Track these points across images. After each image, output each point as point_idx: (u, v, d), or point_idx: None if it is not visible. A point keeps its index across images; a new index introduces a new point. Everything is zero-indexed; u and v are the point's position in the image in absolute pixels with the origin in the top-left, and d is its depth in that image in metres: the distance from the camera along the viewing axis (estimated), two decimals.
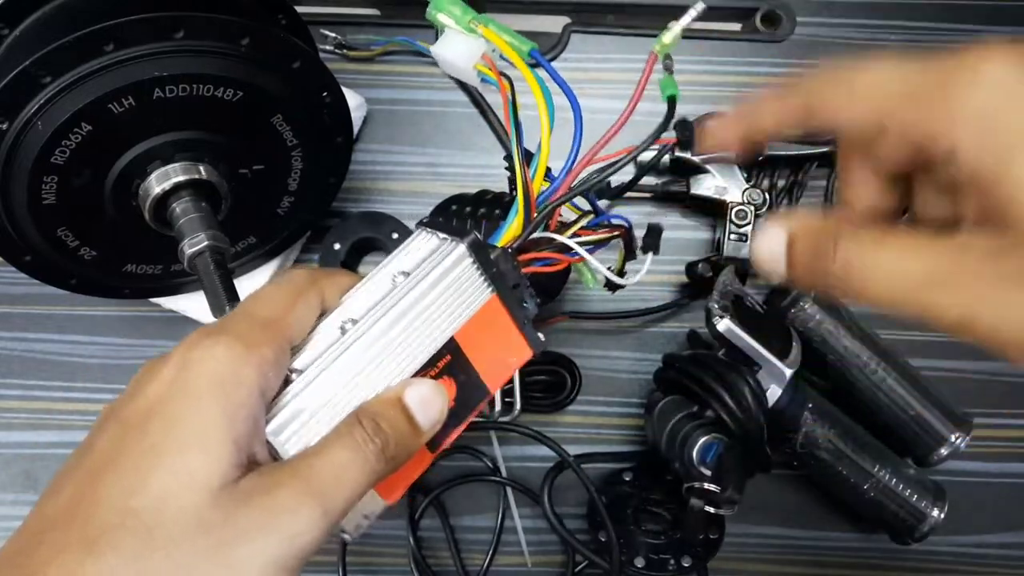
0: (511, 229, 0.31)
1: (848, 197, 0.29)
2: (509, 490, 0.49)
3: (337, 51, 0.54)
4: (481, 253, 0.29)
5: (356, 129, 0.52)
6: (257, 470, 0.25)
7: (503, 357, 0.30)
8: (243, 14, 0.37)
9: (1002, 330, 0.21)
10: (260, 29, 0.36)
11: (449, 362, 0.28)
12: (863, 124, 0.25)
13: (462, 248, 0.28)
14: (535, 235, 0.32)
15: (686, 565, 0.45)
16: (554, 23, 0.56)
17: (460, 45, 0.36)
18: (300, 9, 0.42)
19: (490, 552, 0.49)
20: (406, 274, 0.28)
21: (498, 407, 0.46)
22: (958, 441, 0.46)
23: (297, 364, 0.27)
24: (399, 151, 0.54)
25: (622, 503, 0.47)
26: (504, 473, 0.50)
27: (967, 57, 0.23)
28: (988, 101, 0.22)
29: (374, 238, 0.49)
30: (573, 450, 0.48)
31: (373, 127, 0.54)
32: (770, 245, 0.26)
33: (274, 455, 0.26)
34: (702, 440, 0.42)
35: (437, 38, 0.37)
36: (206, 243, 0.37)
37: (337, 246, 0.49)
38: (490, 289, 0.29)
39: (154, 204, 0.38)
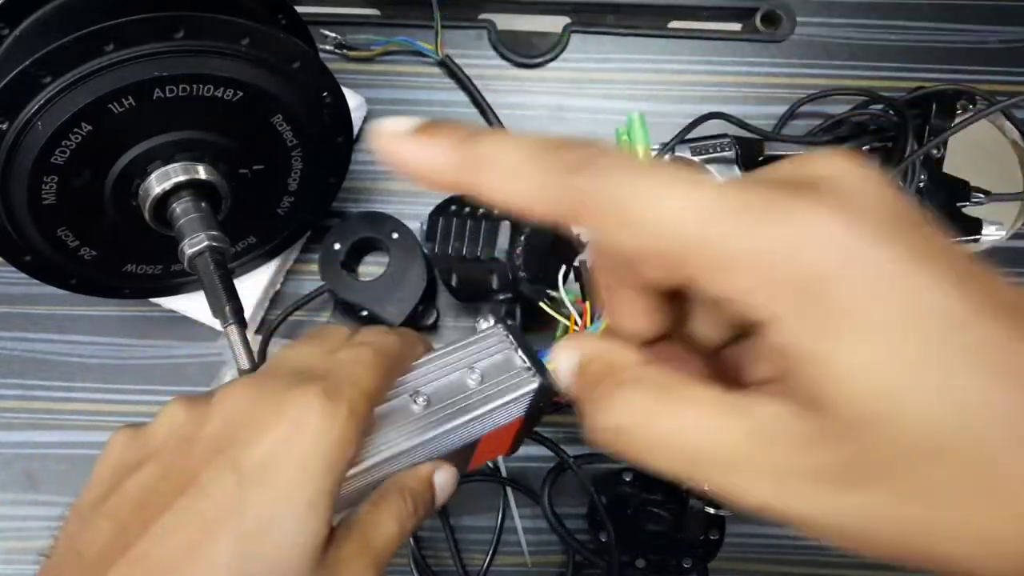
0: None
1: (613, 319, 0.24)
2: (509, 490, 0.49)
3: (337, 51, 0.54)
4: (545, 394, 0.31)
5: (356, 129, 0.52)
6: (336, 539, 0.26)
7: (490, 451, 0.34)
8: (243, 14, 0.37)
9: (810, 522, 0.18)
10: (260, 29, 0.36)
11: (461, 451, 0.32)
12: (646, 261, 0.20)
13: (535, 388, 0.31)
14: None
15: (686, 566, 0.45)
16: (554, 23, 0.56)
17: None
18: (300, 9, 0.42)
19: (490, 552, 0.49)
20: (481, 376, 0.31)
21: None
22: None
23: None
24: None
25: (622, 503, 0.47)
26: (504, 473, 0.50)
27: (794, 205, 0.17)
28: (814, 269, 0.17)
29: (374, 238, 0.49)
30: (573, 450, 0.48)
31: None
32: (562, 365, 0.22)
33: None
34: None
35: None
36: (206, 243, 0.37)
37: (337, 246, 0.49)
38: (523, 413, 0.32)
39: (154, 204, 0.38)
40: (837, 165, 0.19)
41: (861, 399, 0.17)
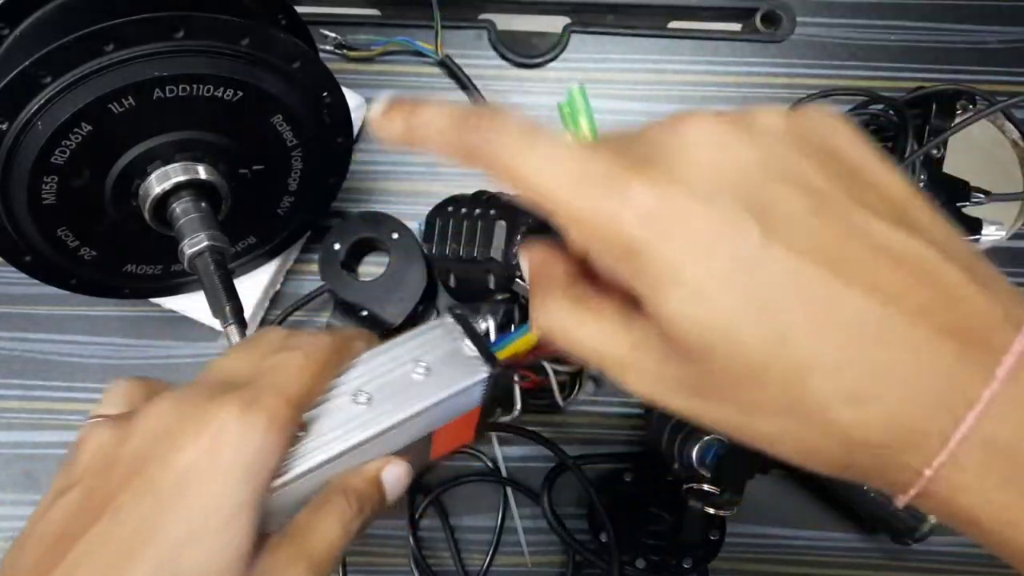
0: (518, 344, 0.32)
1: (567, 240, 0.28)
2: (509, 490, 0.49)
3: (337, 51, 0.54)
4: (498, 382, 0.31)
5: (356, 129, 0.52)
6: (267, 548, 0.26)
7: (453, 440, 0.33)
8: (243, 14, 0.37)
9: (681, 413, 0.23)
10: (260, 29, 0.36)
11: (417, 445, 0.31)
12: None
13: (485, 376, 0.30)
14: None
15: (687, 566, 0.45)
16: (554, 23, 0.56)
17: None
18: (300, 9, 0.42)
19: (490, 552, 0.49)
20: (428, 369, 0.30)
21: (498, 407, 0.46)
22: None
23: (303, 418, 0.28)
24: (399, 151, 0.54)
25: (623, 504, 0.47)
26: (504, 473, 0.50)
27: (628, 183, 0.21)
28: (632, 242, 0.21)
29: (374, 238, 0.49)
30: (573, 450, 0.48)
31: None
32: (523, 267, 0.27)
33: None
34: (702, 441, 0.42)
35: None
36: (206, 243, 0.37)
37: (337, 246, 0.49)
38: (480, 402, 0.31)
39: (154, 204, 0.38)
40: (683, 134, 0.22)
41: (691, 336, 0.21)
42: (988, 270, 0.21)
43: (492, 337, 0.41)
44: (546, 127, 0.23)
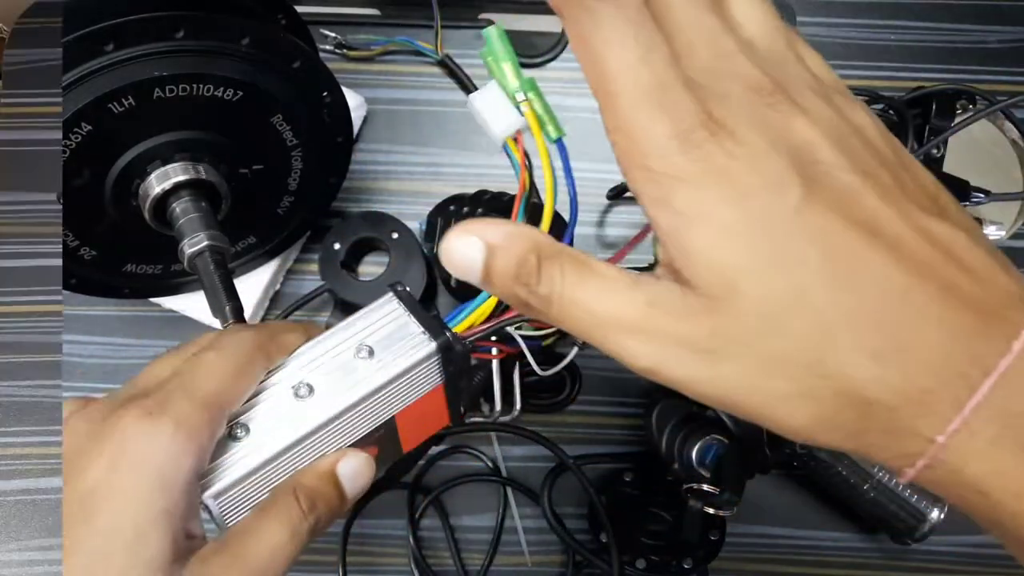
0: (475, 315, 0.31)
1: None
2: (509, 490, 0.49)
3: (337, 51, 0.54)
4: (448, 353, 0.29)
5: (356, 129, 0.52)
6: (198, 556, 0.25)
7: (425, 426, 0.32)
8: (243, 14, 0.37)
9: (687, 386, 0.22)
10: (260, 29, 0.36)
11: (381, 434, 0.30)
12: None
13: (432, 349, 0.29)
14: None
15: (687, 566, 0.45)
16: (554, 23, 0.56)
17: (500, 108, 0.36)
18: (300, 9, 0.42)
19: (490, 552, 0.49)
20: (371, 351, 0.29)
21: (498, 407, 0.46)
22: None
23: (244, 419, 0.27)
24: (399, 151, 0.54)
25: (623, 504, 0.47)
26: (504, 473, 0.50)
27: (690, 116, 0.20)
28: (678, 161, 0.20)
29: (374, 238, 0.49)
30: (573, 450, 0.48)
31: (373, 127, 0.54)
32: (465, 252, 0.23)
33: (211, 514, 0.27)
34: (702, 441, 0.42)
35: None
36: (206, 243, 0.37)
37: (337, 246, 0.49)
38: (440, 379, 0.30)
39: (154, 204, 0.38)
40: (768, 103, 0.21)
41: (714, 274, 0.20)
42: (1005, 259, 0.22)
43: (527, 354, 0.40)
44: (646, 27, 0.21)
